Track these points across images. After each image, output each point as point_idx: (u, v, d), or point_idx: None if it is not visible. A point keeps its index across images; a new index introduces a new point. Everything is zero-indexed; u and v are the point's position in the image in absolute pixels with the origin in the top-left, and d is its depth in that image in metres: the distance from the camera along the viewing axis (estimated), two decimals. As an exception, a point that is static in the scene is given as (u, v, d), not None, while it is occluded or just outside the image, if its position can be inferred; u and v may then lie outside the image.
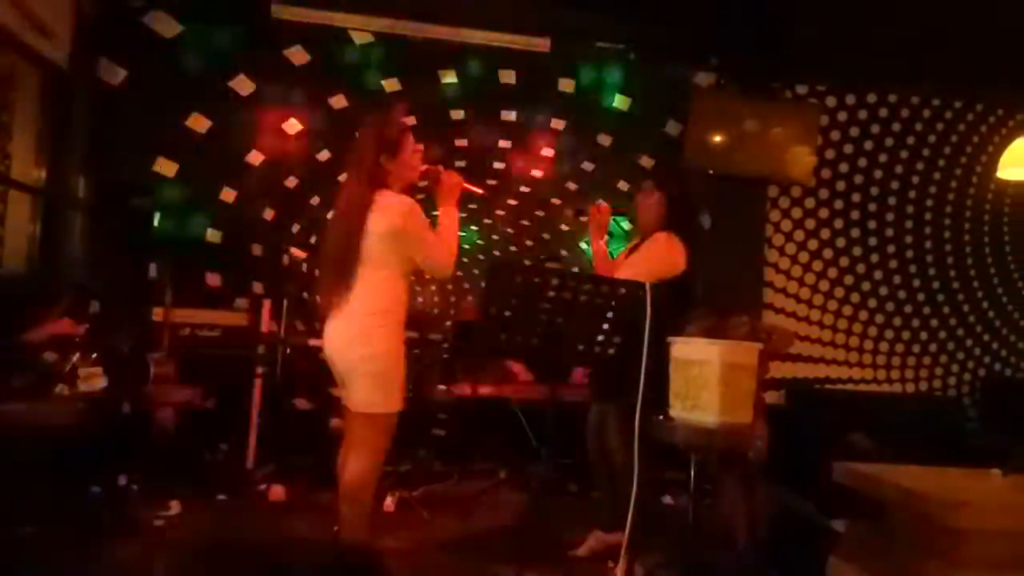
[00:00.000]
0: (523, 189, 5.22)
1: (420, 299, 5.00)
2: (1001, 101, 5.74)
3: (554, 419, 2.74)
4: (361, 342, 2.51)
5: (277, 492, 3.81)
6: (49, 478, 3.24)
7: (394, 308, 2.56)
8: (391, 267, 2.56)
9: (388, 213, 2.51)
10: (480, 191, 2.92)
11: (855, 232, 5.64)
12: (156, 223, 4.60)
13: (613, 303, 2.27)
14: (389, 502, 3.78)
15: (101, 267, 4.45)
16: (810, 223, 5.59)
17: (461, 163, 5.02)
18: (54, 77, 4.34)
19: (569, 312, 2.25)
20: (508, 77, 5.14)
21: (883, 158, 5.68)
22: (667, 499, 4.12)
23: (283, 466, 4.14)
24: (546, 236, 5.22)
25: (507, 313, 2.21)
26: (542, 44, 5.05)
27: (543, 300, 2.22)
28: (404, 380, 2.63)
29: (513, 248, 5.21)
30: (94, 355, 3.49)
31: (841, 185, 5.63)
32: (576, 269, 5.05)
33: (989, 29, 4.51)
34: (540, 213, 5.18)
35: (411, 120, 4.94)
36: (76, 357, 3.44)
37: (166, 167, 4.71)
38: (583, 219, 3.26)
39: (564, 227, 5.24)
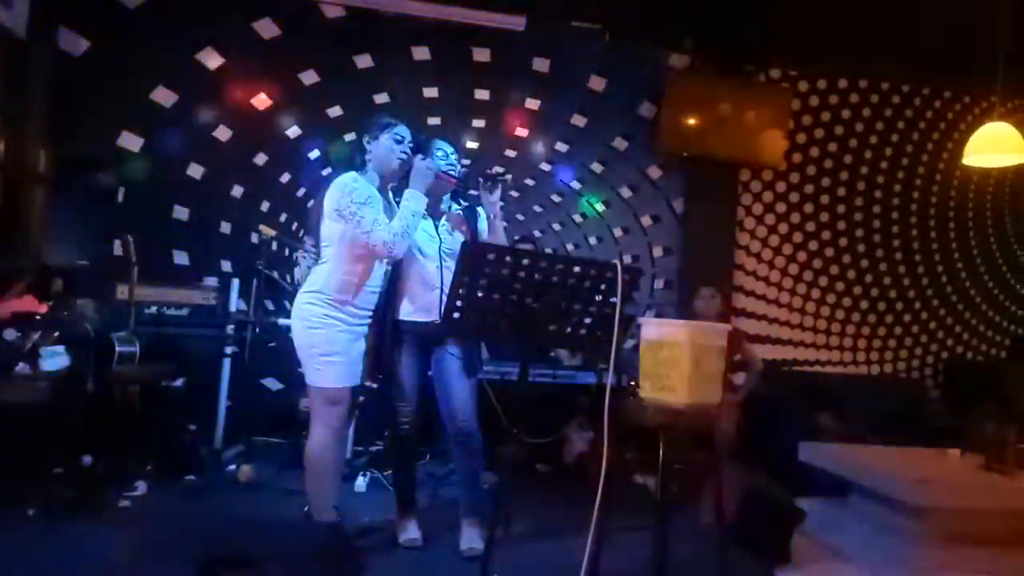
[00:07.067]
0: (496, 169, 5.18)
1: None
2: (968, 89, 5.82)
3: (524, 399, 2.75)
4: (296, 318, 2.64)
5: (246, 473, 3.77)
6: (11, 458, 3.18)
7: (331, 287, 2.61)
8: (334, 246, 2.63)
9: (330, 190, 2.61)
10: (453, 180, 2.90)
11: (824, 216, 5.71)
12: (121, 199, 4.50)
13: (587, 284, 2.26)
14: (360, 482, 3.78)
15: (64, 244, 4.35)
16: (781, 207, 5.65)
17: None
18: (11, 47, 4.19)
19: (541, 293, 2.24)
20: (482, 55, 5.09)
21: (853, 143, 5.75)
22: (637, 478, 4.16)
23: (252, 447, 4.10)
24: (520, 217, 5.20)
25: (478, 294, 2.19)
26: (517, 23, 5.00)
27: (515, 281, 2.20)
28: (355, 360, 2.68)
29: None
30: (57, 333, 3.42)
31: (811, 169, 5.69)
32: (549, 250, 5.06)
33: (958, 17, 4.56)
34: (514, 194, 5.15)
35: (382, 96, 4.91)
36: (38, 336, 3.36)
37: (131, 141, 4.60)
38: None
39: (537, 208, 5.24)
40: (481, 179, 2.92)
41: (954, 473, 2.96)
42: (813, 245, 5.69)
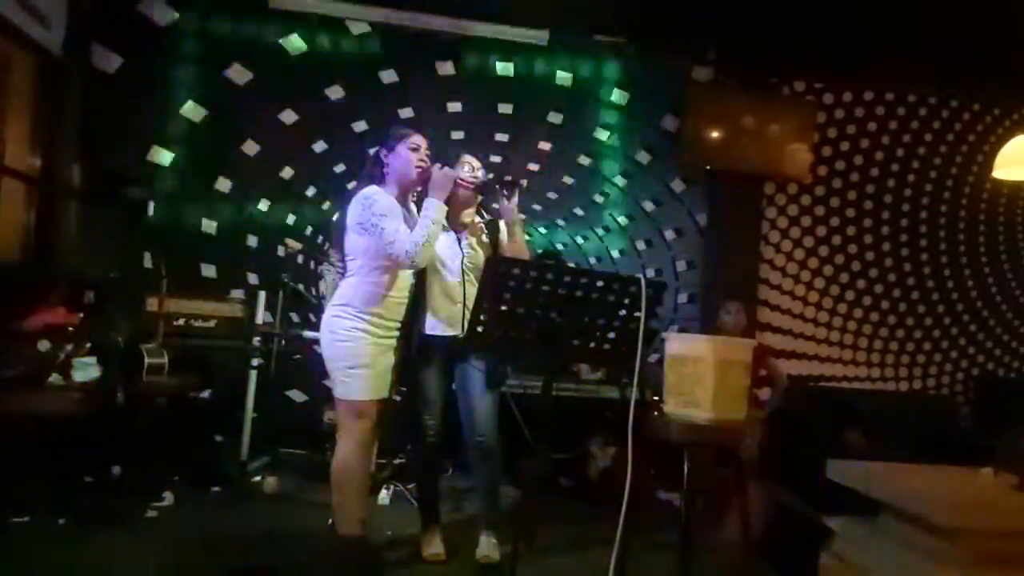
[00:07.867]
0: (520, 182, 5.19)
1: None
2: (997, 101, 5.74)
3: (549, 414, 2.74)
4: (325, 330, 2.67)
5: (271, 484, 3.80)
6: (43, 468, 3.23)
7: (359, 299, 2.64)
8: (359, 258, 2.67)
9: (352, 204, 2.65)
10: (471, 184, 2.90)
11: (851, 230, 5.65)
12: (151, 212, 4.57)
13: (611, 298, 2.26)
14: (384, 495, 3.78)
15: (96, 257, 4.42)
16: (806, 220, 5.60)
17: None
18: (48, 64, 4.30)
19: (565, 307, 2.24)
20: (506, 70, 5.12)
21: (879, 156, 5.69)
22: (661, 494, 4.13)
23: (277, 458, 4.13)
24: (542, 230, 5.21)
25: (503, 308, 2.20)
26: (540, 37, 5.03)
27: (539, 295, 2.21)
28: (382, 373, 2.66)
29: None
30: (88, 345, 3.48)
31: (837, 183, 5.64)
32: (573, 264, 5.05)
33: (986, 28, 4.51)
34: (537, 207, 5.17)
35: (407, 111, 4.95)
36: (70, 347, 3.42)
37: (161, 156, 4.69)
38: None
39: (560, 221, 5.24)
40: (498, 185, 2.92)
41: (986, 493, 2.89)
42: (840, 259, 5.63)
